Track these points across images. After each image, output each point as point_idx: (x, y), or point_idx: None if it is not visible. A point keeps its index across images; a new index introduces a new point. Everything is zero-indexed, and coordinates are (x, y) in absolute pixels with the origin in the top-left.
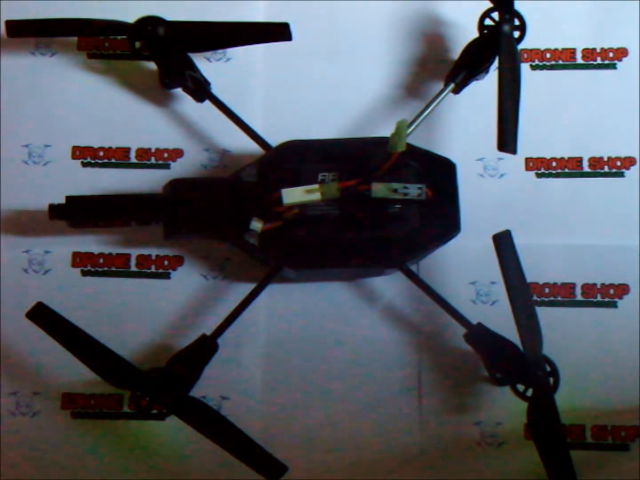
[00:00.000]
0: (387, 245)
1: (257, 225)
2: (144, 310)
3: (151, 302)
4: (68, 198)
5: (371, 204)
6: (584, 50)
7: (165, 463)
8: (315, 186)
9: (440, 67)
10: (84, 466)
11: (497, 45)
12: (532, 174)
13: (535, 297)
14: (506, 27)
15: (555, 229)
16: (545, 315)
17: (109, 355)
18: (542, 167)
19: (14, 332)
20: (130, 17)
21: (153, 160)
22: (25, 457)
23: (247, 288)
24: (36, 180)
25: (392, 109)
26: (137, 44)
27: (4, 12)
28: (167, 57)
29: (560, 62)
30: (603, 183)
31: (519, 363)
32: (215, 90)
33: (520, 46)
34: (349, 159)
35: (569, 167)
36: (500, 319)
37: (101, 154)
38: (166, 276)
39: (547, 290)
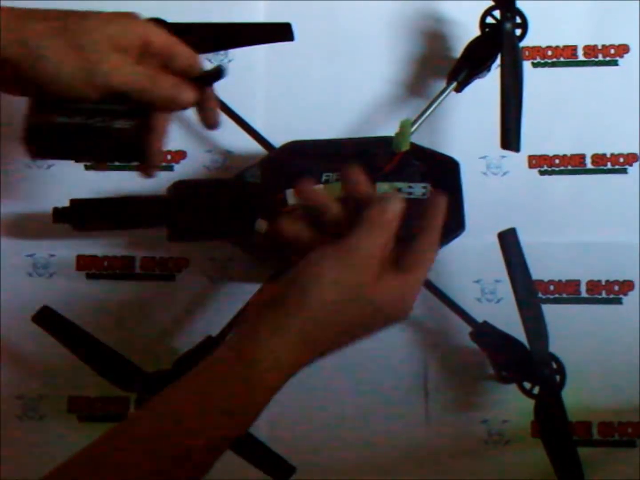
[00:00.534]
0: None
1: (261, 225)
2: (149, 312)
3: (156, 304)
4: (72, 201)
5: None
6: (585, 47)
7: None
8: (320, 186)
9: (442, 66)
10: None
11: (499, 43)
12: (535, 171)
13: (540, 295)
14: (508, 25)
15: (559, 226)
16: (551, 313)
17: (114, 358)
18: (545, 164)
19: (19, 335)
20: None
21: None
22: (32, 461)
23: (251, 289)
24: (40, 183)
25: (394, 108)
26: None
27: None
28: None
29: (562, 59)
30: (606, 180)
31: (525, 361)
32: (217, 91)
33: (522, 44)
34: (352, 159)
35: (572, 165)
36: (506, 317)
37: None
38: (171, 278)
39: (552, 287)
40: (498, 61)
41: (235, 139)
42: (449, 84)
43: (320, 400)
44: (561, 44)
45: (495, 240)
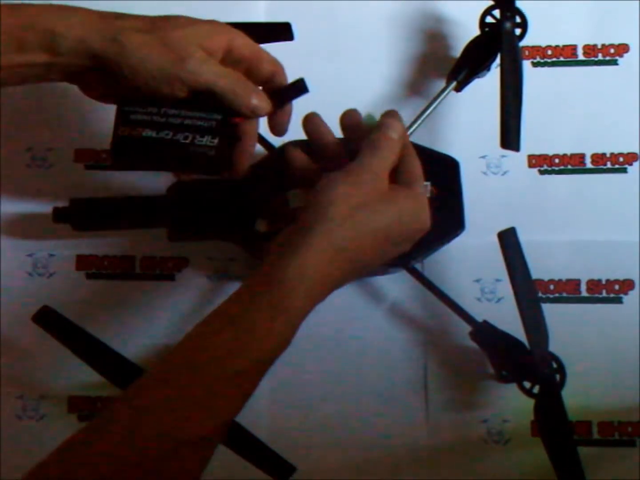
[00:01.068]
0: None
1: (261, 225)
2: (149, 312)
3: (156, 304)
4: (72, 201)
5: None
6: (585, 46)
7: None
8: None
9: (441, 65)
10: None
11: (499, 43)
12: (535, 171)
13: (540, 294)
14: (507, 25)
15: (559, 225)
16: (551, 312)
17: (114, 358)
18: (544, 164)
19: (19, 335)
20: None
21: None
22: (32, 461)
23: None
24: (39, 183)
25: (394, 107)
26: None
27: None
28: None
29: (562, 58)
30: (606, 179)
31: (525, 360)
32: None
33: (522, 43)
34: (352, 158)
35: (572, 164)
36: (506, 316)
37: (104, 156)
38: (171, 278)
39: (552, 286)
40: (498, 61)
41: None
42: (448, 83)
43: (320, 400)
44: (561, 43)
45: (495, 239)
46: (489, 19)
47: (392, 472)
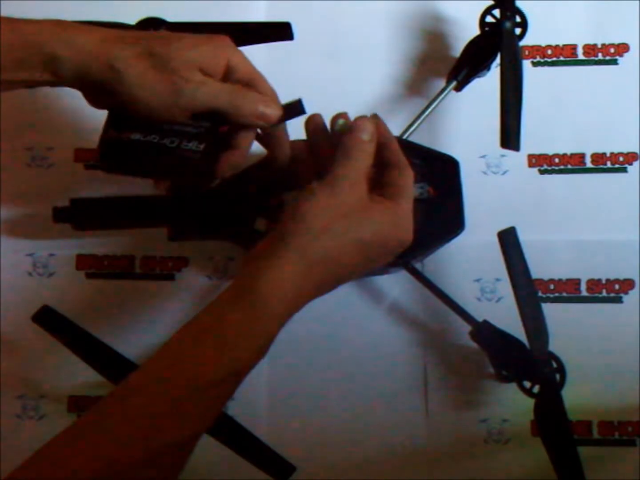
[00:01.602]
0: None
1: (261, 225)
2: (149, 311)
3: (156, 304)
4: (72, 201)
5: None
6: (585, 46)
7: None
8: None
9: (441, 65)
10: None
11: (499, 43)
12: (534, 170)
13: (540, 294)
14: (507, 24)
15: (559, 225)
16: (551, 312)
17: (114, 357)
18: (544, 163)
19: (19, 335)
20: (132, 19)
21: None
22: None
23: None
24: (40, 183)
25: (394, 107)
26: None
27: (4, 11)
28: None
29: (562, 58)
30: (606, 179)
31: (525, 360)
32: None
33: (522, 43)
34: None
35: (572, 164)
36: (506, 316)
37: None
38: (170, 277)
39: (552, 286)
40: (498, 60)
41: None
42: (448, 83)
43: (320, 400)
44: (561, 43)
45: (495, 239)
46: (489, 19)
47: (392, 472)
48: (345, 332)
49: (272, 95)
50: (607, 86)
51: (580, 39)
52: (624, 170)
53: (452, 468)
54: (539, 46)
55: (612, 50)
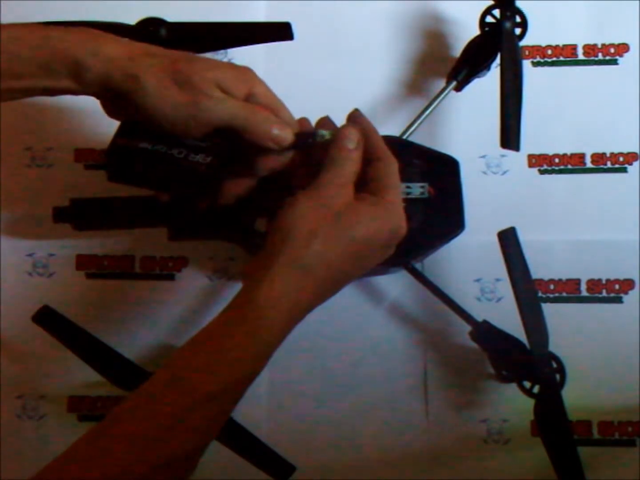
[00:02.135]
0: None
1: (261, 225)
2: (149, 312)
3: (156, 304)
4: (72, 201)
5: None
6: (585, 46)
7: None
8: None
9: (441, 65)
10: None
11: (499, 43)
12: (534, 170)
13: (540, 294)
14: (507, 24)
15: (559, 225)
16: (551, 312)
17: (114, 357)
18: (544, 163)
19: (19, 335)
20: (132, 19)
21: None
22: (32, 461)
23: None
24: (40, 183)
25: (394, 107)
26: None
27: (4, 12)
28: None
29: (562, 58)
30: (606, 179)
31: (525, 360)
32: None
33: (522, 43)
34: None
35: (572, 164)
36: (506, 316)
37: (104, 156)
38: (170, 277)
39: (552, 286)
40: (498, 60)
41: None
42: (448, 83)
43: (320, 400)
44: (561, 43)
45: (495, 239)
46: (489, 19)
47: (392, 472)
48: (346, 333)
49: (290, 122)
50: (607, 86)
51: (580, 39)
52: (624, 170)
53: (452, 468)
54: (539, 46)
55: (612, 50)
